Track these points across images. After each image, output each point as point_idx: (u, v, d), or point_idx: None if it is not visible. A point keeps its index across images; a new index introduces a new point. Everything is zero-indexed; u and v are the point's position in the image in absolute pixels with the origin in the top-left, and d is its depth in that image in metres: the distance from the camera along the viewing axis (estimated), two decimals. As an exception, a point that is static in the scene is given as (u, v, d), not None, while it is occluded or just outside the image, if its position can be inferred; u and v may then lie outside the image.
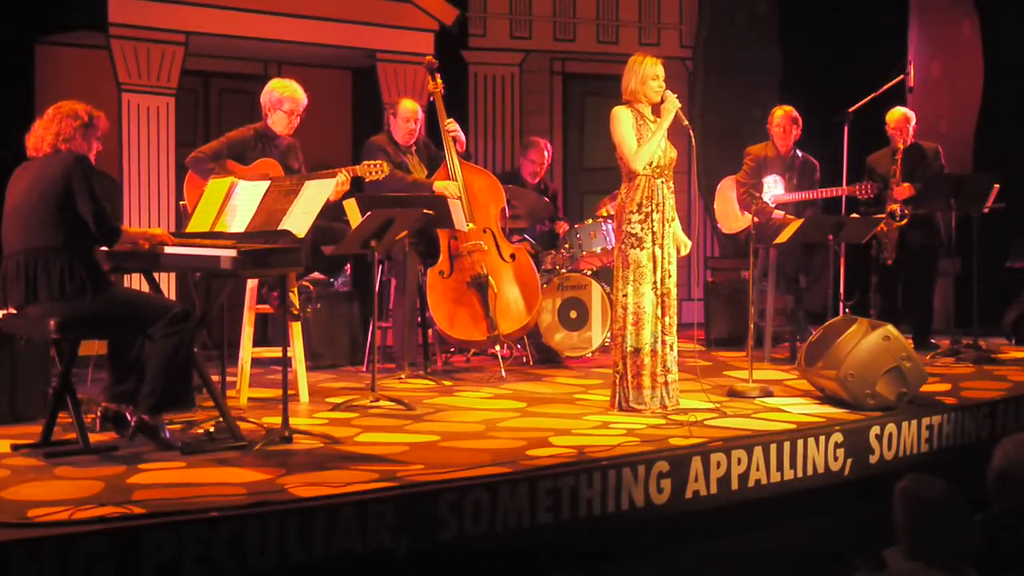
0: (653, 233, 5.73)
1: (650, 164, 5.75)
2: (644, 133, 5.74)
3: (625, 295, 5.74)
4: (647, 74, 5.77)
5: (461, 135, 7.18)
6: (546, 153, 8.17)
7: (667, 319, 5.76)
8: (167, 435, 4.85)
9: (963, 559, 3.18)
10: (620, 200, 5.82)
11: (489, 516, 4.23)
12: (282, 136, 6.41)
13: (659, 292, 5.74)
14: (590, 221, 7.84)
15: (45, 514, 3.73)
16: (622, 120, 5.77)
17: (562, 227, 7.99)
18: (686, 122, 5.77)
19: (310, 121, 6.60)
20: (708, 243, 10.43)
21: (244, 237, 5.02)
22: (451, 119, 7.17)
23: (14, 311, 4.82)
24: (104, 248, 4.94)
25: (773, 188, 7.81)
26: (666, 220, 5.78)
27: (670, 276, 5.79)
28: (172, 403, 4.89)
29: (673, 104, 5.74)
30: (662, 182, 5.78)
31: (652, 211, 5.74)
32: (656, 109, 5.80)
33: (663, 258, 5.76)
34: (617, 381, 5.75)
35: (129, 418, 5.01)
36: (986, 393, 6.25)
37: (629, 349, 5.72)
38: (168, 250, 4.99)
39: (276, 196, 5.10)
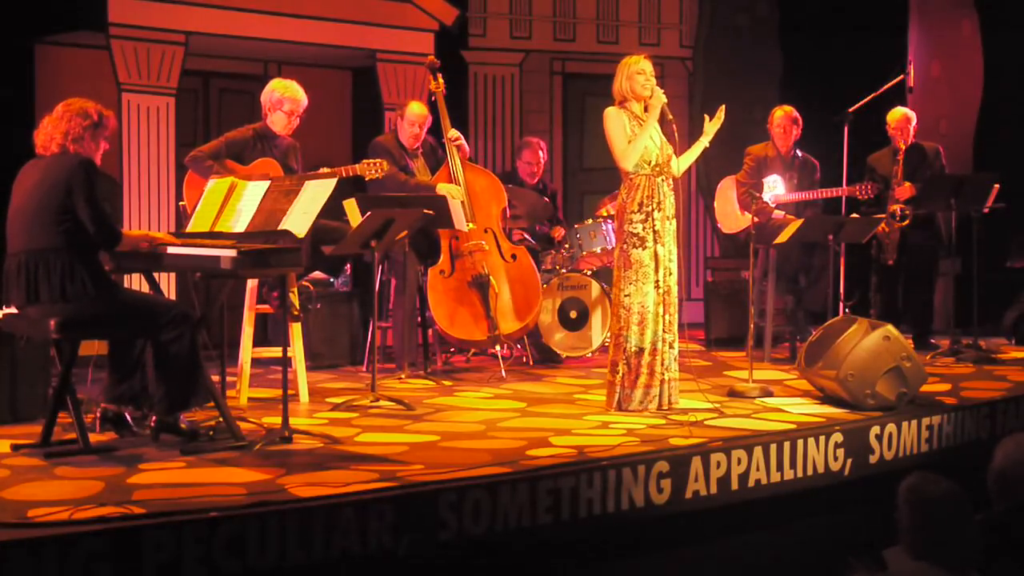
0: (655, 232, 5.74)
1: (648, 163, 5.76)
2: (636, 132, 5.75)
3: (628, 295, 5.74)
4: (632, 70, 5.79)
5: (464, 144, 7.20)
6: (541, 153, 8.15)
7: (667, 316, 5.77)
8: (185, 424, 4.91)
9: (966, 559, 3.18)
10: (621, 200, 5.82)
11: (489, 516, 4.23)
12: (282, 136, 6.41)
13: (661, 290, 5.75)
14: (590, 221, 7.84)
15: (45, 514, 3.73)
16: (612, 120, 5.78)
17: (558, 232, 7.97)
18: (670, 117, 5.78)
19: (310, 121, 6.60)
20: (708, 243, 10.43)
21: (244, 237, 5.02)
22: (452, 128, 7.17)
23: (15, 310, 4.82)
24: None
25: (773, 188, 7.81)
26: (667, 218, 5.78)
27: (671, 274, 5.80)
28: (183, 403, 4.92)
29: (659, 99, 5.74)
30: (662, 180, 5.79)
31: (653, 210, 5.74)
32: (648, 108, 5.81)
33: (665, 256, 5.77)
34: (617, 381, 5.76)
35: (129, 419, 5.03)
36: (986, 393, 6.25)
37: (633, 349, 5.71)
38: (170, 250, 4.99)
39: (276, 196, 5.10)
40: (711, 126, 5.89)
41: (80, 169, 4.71)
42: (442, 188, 7.00)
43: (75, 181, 4.69)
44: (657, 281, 5.74)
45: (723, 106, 5.93)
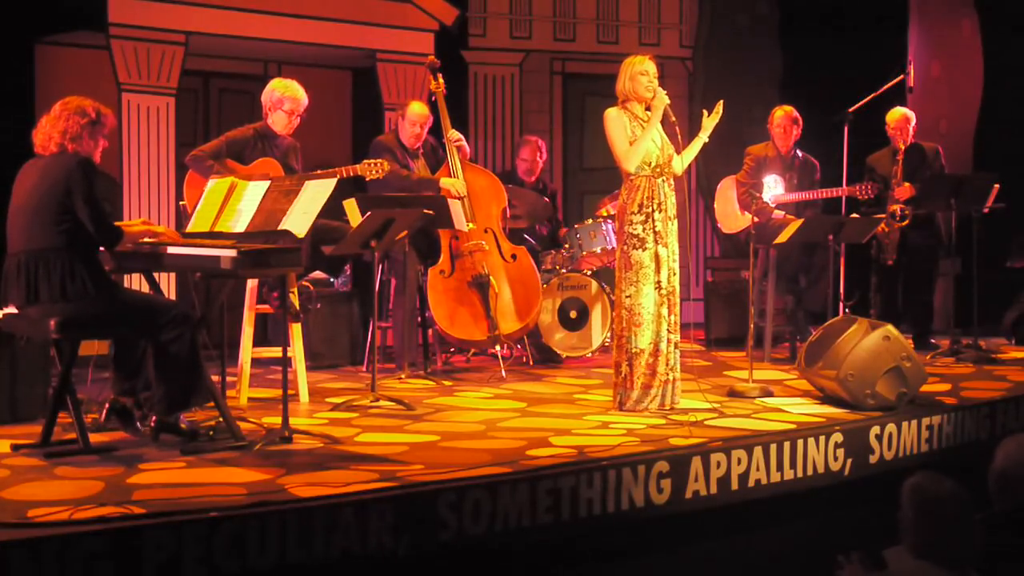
0: (656, 233, 5.74)
1: (648, 164, 5.76)
2: (637, 133, 5.74)
3: (628, 296, 5.74)
4: (636, 71, 5.78)
5: (465, 145, 7.20)
6: (540, 151, 8.15)
7: (672, 317, 5.77)
8: (186, 424, 4.91)
9: (967, 559, 3.18)
10: (621, 201, 5.82)
11: (489, 516, 4.23)
12: (283, 136, 6.41)
13: (664, 291, 5.75)
14: (590, 221, 7.84)
15: (45, 514, 3.73)
16: (613, 121, 5.78)
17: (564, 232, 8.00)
18: (673, 118, 5.77)
19: (310, 121, 6.60)
20: (708, 243, 10.44)
21: (244, 237, 5.02)
22: (453, 129, 7.17)
23: (15, 310, 4.82)
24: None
25: (773, 188, 7.81)
26: (669, 218, 5.78)
27: (675, 274, 5.80)
28: (183, 403, 4.91)
29: (662, 100, 5.73)
30: (662, 181, 5.78)
31: (653, 211, 5.74)
32: (650, 108, 5.81)
33: (668, 256, 5.76)
34: (619, 382, 5.76)
35: (135, 413, 5.04)
36: (986, 393, 6.25)
37: (633, 350, 5.72)
38: (170, 250, 4.99)
39: (276, 196, 5.10)
40: (709, 121, 5.89)
41: (78, 169, 4.71)
42: (445, 183, 7.01)
43: (73, 181, 4.69)
44: (659, 282, 5.74)
45: (721, 101, 5.92)
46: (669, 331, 5.76)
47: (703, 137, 5.92)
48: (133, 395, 5.04)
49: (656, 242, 5.74)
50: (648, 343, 5.71)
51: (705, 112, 5.91)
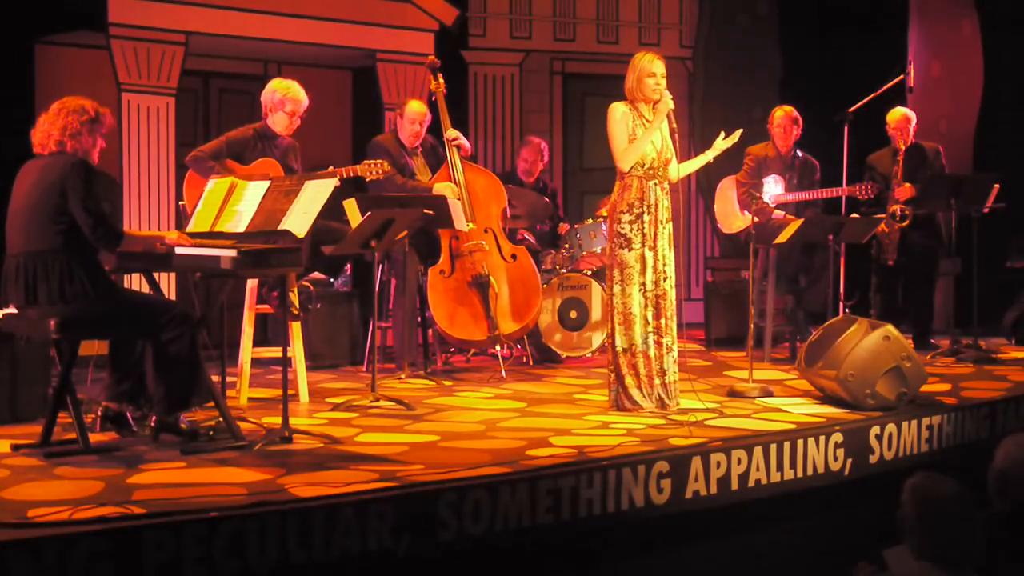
0: (644, 235, 5.71)
1: (642, 165, 5.74)
2: (639, 132, 5.73)
3: (614, 295, 5.74)
4: (644, 71, 5.75)
5: (465, 142, 7.18)
6: (542, 154, 8.15)
7: (663, 321, 5.75)
8: (186, 424, 4.91)
9: (968, 559, 3.18)
10: (612, 200, 5.81)
11: (489, 516, 4.23)
12: (282, 136, 6.41)
13: (650, 294, 5.73)
14: (590, 221, 7.85)
15: (45, 514, 3.73)
16: (615, 117, 5.76)
17: (565, 228, 7.99)
18: (674, 124, 5.75)
19: (310, 121, 6.60)
20: (708, 243, 10.44)
21: (244, 237, 5.02)
22: (451, 128, 7.16)
23: (15, 310, 4.82)
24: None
25: (773, 188, 7.81)
26: (659, 222, 5.76)
27: (666, 278, 5.77)
28: (183, 403, 4.91)
29: (666, 104, 5.71)
30: (654, 184, 5.76)
31: (643, 212, 5.72)
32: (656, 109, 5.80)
33: (656, 259, 5.74)
34: (612, 381, 5.76)
35: (129, 418, 5.03)
36: (986, 393, 6.25)
37: (619, 349, 5.72)
38: (177, 251, 4.99)
39: (276, 196, 5.09)
40: (722, 143, 5.86)
41: (74, 171, 4.69)
42: (439, 187, 7.01)
43: (70, 183, 4.67)
44: (643, 284, 5.72)
45: (740, 131, 5.91)
46: (657, 334, 5.73)
47: (709, 155, 5.90)
48: (125, 400, 5.03)
49: (643, 244, 5.72)
50: (636, 343, 5.70)
51: (723, 133, 5.88)
